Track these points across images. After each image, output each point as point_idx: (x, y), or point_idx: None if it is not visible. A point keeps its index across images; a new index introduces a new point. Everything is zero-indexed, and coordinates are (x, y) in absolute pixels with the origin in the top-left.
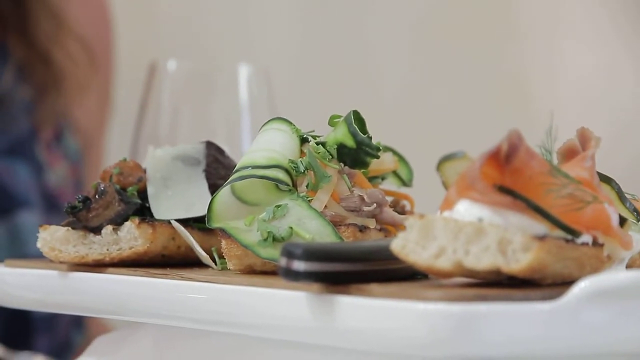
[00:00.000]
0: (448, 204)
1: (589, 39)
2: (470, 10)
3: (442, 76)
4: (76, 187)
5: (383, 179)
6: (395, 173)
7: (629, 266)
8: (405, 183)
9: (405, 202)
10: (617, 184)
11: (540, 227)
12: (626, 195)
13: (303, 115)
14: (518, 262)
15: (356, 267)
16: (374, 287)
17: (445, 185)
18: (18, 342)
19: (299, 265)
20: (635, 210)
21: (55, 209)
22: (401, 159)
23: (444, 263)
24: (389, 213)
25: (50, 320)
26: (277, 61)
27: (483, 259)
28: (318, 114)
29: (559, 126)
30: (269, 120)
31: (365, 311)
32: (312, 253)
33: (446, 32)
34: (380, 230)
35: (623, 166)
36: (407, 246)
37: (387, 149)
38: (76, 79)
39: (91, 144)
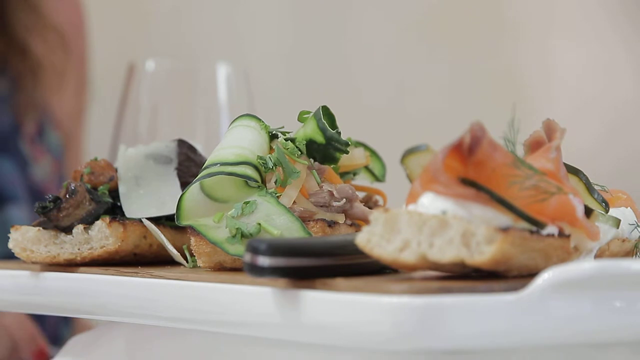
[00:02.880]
0: (412, 197)
1: (584, 37)
2: (460, 7)
3: (429, 74)
4: (60, 182)
5: (355, 174)
6: (367, 168)
7: (597, 257)
8: (378, 178)
9: (378, 197)
10: (584, 175)
11: (504, 219)
12: (595, 186)
13: (282, 115)
14: (482, 254)
15: (322, 261)
16: (339, 281)
17: (410, 179)
18: None
19: (264, 261)
20: (603, 201)
21: None
22: (374, 154)
23: (408, 256)
24: (359, 208)
25: (39, 316)
26: (257, 60)
27: (447, 252)
28: (297, 113)
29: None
30: (237, 117)
31: (331, 305)
32: (277, 248)
33: (436, 30)
34: (351, 225)
35: (617, 162)
36: (372, 240)
37: (359, 144)
38: (53, 67)
39: (70, 137)
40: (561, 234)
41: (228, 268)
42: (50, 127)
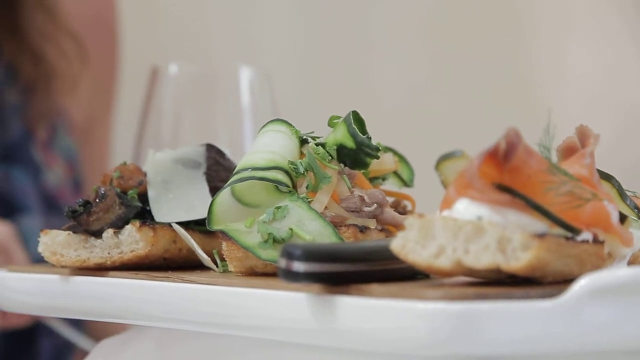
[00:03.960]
0: (447, 203)
1: (596, 38)
2: (473, 9)
3: (445, 76)
4: (74, 186)
5: (384, 179)
6: (396, 173)
7: (630, 263)
8: (407, 183)
9: (406, 203)
10: (617, 181)
11: (539, 225)
12: (627, 192)
13: (305, 118)
14: (518, 261)
15: (356, 267)
16: (374, 287)
17: (445, 185)
18: (22, 345)
19: (299, 266)
20: (635, 207)
21: (55, 210)
22: (402, 159)
23: (443, 262)
24: (389, 213)
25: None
26: (279, 64)
27: (483, 258)
28: (320, 116)
29: (566, 125)
30: (268, 122)
31: (366, 311)
32: (312, 253)
33: (449, 32)
34: (381, 230)
35: (630, 164)
36: (407, 245)
37: (388, 149)
38: (67, 73)
39: (87, 139)
40: (595, 240)
41: (259, 273)
42: (63, 129)
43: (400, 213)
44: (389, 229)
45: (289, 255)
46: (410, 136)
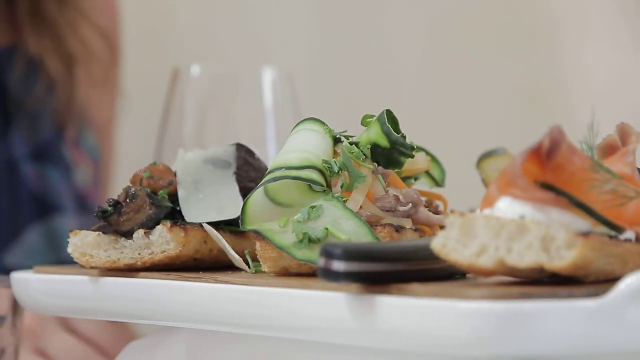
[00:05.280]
0: (489, 202)
1: (620, 38)
2: (494, 8)
3: (466, 75)
4: (98, 186)
5: (416, 179)
6: (427, 173)
7: None
8: (438, 183)
9: (438, 202)
10: None
11: (583, 223)
12: None
13: (328, 117)
14: (562, 259)
15: (396, 266)
16: (415, 286)
17: (485, 183)
18: None
19: (339, 266)
20: None
21: (85, 210)
22: (433, 159)
23: (486, 261)
24: (424, 213)
25: None
26: (300, 64)
27: (526, 257)
28: (343, 116)
29: (596, 123)
30: (301, 121)
31: (407, 311)
32: (352, 253)
33: (472, 27)
34: (415, 230)
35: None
36: (448, 245)
37: (420, 149)
38: (93, 65)
39: (104, 140)
40: (638, 238)
41: (293, 273)
42: (87, 127)
43: (433, 213)
44: (423, 228)
45: (328, 254)
46: (436, 135)
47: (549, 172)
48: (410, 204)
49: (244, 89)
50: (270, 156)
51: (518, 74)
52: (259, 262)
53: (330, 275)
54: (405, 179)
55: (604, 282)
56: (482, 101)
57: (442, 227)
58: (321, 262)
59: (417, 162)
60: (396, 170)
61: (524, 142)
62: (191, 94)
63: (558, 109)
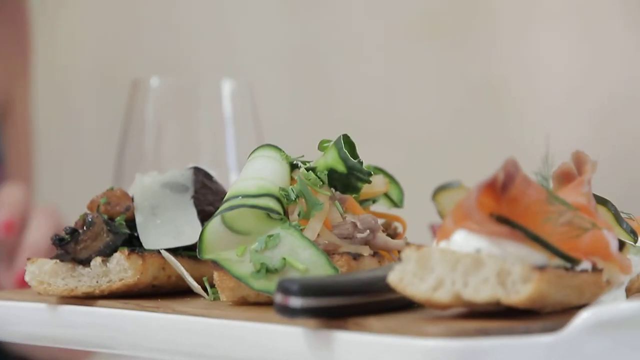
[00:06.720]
0: (445, 234)
1: (568, 28)
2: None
3: (418, 78)
4: None
5: (374, 201)
6: (386, 195)
7: (627, 289)
8: (397, 204)
9: (397, 224)
10: (613, 205)
11: (539, 256)
12: (622, 214)
13: (287, 129)
14: (518, 294)
15: (353, 300)
16: (372, 321)
17: (441, 215)
18: None
19: (296, 302)
20: (632, 231)
21: None
22: (392, 180)
23: (442, 295)
24: (382, 238)
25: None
26: (260, 75)
27: (482, 291)
28: (302, 127)
29: (537, 122)
30: (257, 148)
31: (364, 348)
32: (309, 288)
33: (434, 33)
34: (373, 255)
35: (603, 165)
36: (405, 278)
37: (378, 170)
38: None
39: (6, 119)
40: (594, 268)
41: (251, 302)
42: None
43: (391, 235)
44: (382, 253)
45: (285, 290)
46: (391, 152)
47: (504, 205)
48: (368, 230)
49: (204, 100)
50: (230, 168)
51: (466, 76)
52: None
53: (287, 312)
54: (363, 201)
55: (560, 313)
56: (429, 98)
57: (399, 252)
58: (278, 298)
59: (376, 186)
60: (354, 195)
61: (478, 143)
62: (151, 105)
63: (508, 111)
